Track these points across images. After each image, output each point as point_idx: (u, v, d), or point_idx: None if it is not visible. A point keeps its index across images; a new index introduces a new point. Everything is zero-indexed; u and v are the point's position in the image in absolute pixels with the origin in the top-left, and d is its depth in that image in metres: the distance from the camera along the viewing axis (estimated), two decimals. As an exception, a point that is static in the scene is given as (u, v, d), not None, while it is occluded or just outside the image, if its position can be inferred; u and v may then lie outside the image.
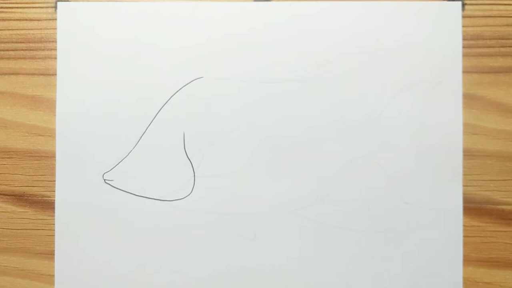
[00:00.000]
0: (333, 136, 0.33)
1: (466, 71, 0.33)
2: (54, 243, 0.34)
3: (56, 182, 0.33)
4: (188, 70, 0.33)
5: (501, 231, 0.33)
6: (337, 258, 0.33)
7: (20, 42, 0.34)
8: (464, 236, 0.33)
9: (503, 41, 0.33)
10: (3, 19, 0.34)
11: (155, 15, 0.33)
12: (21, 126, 0.34)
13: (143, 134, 0.33)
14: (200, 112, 0.33)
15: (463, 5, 0.33)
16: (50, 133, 0.34)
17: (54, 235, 0.34)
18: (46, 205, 0.34)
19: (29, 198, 0.34)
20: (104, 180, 0.33)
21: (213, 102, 0.33)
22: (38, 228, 0.34)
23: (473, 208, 0.33)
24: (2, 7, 0.34)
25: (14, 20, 0.34)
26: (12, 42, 0.34)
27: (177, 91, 0.33)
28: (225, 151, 0.33)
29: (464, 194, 0.33)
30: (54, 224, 0.34)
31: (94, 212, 0.33)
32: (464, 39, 0.33)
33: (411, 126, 0.33)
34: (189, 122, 0.33)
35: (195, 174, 0.33)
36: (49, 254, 0.34)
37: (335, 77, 0.33)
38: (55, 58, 0.34)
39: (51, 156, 0.34)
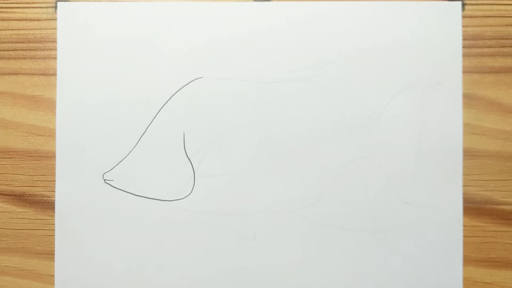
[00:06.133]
0: (333, 136, 0.33)
1: (466, 71, 0.33)
2: (54, 243, 0.34)
3: (56, 182, 0.33)
4: (188, 70, 0.33)
5: (501, 231, 0.33)
6: (337, 258, 0.33)
7: (20, 42, 0.34)
8: (464, 236, 0.33)
9: (503, 41, 0.33)
10: (3, 19, 0.34)
11: (155, 15, 0.33)
12: (21, 126, 0.34)
13: (143, 134, 0.33)
14: (200, 112, 0.33)
15: (463, 5, 0.33)
16: (50, 133, 0.34)
17: (54, 235, 0.34)
18: (46, 205, 0.34)
19: (29, 198, 0.34)
20: (104, 180, 0.33)
21: (213, 102, 0.33)
22: (38, 228, 0.34)
23: (473, 208, 0.33)
24: (2, 7, 0.34)
25: (14, 20, 0.34)
26: (12, 42, 0.34)
27: (177, 91, 0.33)
28: (225, 151, 0.33)
29: (464, 194, 0.33)
30: (54, 224, 0.34)
31: (94, 212, 0.33)
32: (464, 39, 0.33)
33: (411, 126, 0.33)
34: (189, 122, 0.33)
35: (195, 174, 0.33)
36: (49, 254, 0.34)
37: (335, 77, 0.33)
38: (55, 58, 0.34)
39: (51, 156, 0.34)
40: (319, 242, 0.33)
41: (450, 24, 0.33)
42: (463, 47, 0.33)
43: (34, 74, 0.34)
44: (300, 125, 0.33)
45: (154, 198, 0.33)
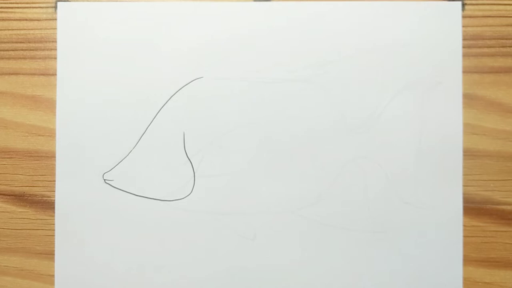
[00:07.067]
0: (333, 136, 0.33)
1: (466, 71, 0.33)
2: (54, 243, 0.34)
3: (56, 182, 0.33)
4: (188, 70, 0.33)
5: (501, 231, 0.33)
6: (337, 258, 0.33)
7: (20, 42, 0.34)
8: (464, 236, 0.33)
9: (503, 41, 0.33)
10: (3, 19, 0.34)
11: (155, 15, 0.33)
12: (21, 126, 0.34)
13: (143, 134, 0.33)
14: (200, 112, 0.33)
15: (463, 5, 0.33)
16: (50, 133, 0.34)
17: (54, 235, 0.34)
18: (46, 205, 0.34)
19: (29, 198, 0.34)
20: (104, 180, 0.33)
21: (213, 102, 0.33)
22: (38, 228, 0.34)
23: (473, 208, 0.33)
24: (2, 7, 0.34)
25: (14, 20, 0.34)
26: (12, 42, 0.34)
27: (177, 91, 0.33)
28: (225, 151, 0.33)
29: (464, 194, 0.33)
30: (54, 224, 0.34)
31: (94, 212, 0.33)
32: (464, 39, 0.33)
33: (411, 126, 0.33)
34: (189, 122, 0.33)
35: (195, 174, 0.33)
36: (49, 254, 0.34)
37: (335, 77, 0.33)
38: (55, 58, 0.34)
39: (51, 156, 0.34)
40: (319, 242, 0.33)
41: (450, 24, 0.33)
42: (463, 47, 0.33)
43: (34, 74, 0.34)
44: (300, 125, 0.33)
45: (154, 198, 0.33)
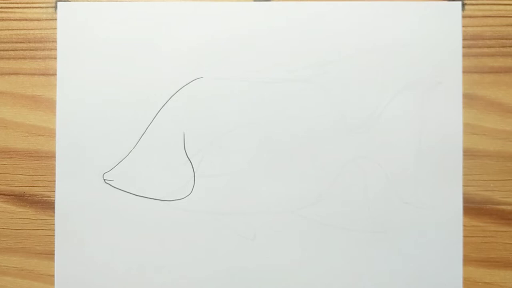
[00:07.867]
0: (333, 136, 0.33)
1: (466, 71, 0.33)
2: (54, 243, 0.34)
3: (56, 182, 0.33)
4: (188, 70, 0.33)
5: (501, 231, 0.33)
6: (337, 258, 0.33)
7: (20, 42, 0.34)
8: (464, 236, 0.33)
9: (503, 41, 0.33)
10: (3, 19, 0.34)
11: (155, 15, 0.33)
12: (21, 126, 0.34)
13: (143, 134, 0.33)
14: (200, 112, 0.33)
15: (463, 5, 0.33)
16: (50, 133, 0.34)
17: (54, 235, 0.34)
18: (46, 205, 0.34)
19: (29, 198, 0.34)
20: (104, 180, 0.33)
21: (213, 102, 0.33)
22: (38, 228, 0.34)
23: (473, 208, 0.33)
24: (2, 7, 0.34)
25: (14, 20, 0.34)
26: (12, 42, 0.34)
27: (177, 91, 0.33)
28: (225, 151, 0.33)
29: (464, 194, 0.33)
30: (54, 224, 0.34)
31: (94, 212, 0.33)
32: (464, 39, 0.33)
33: (411, 126, 0.33)
34: (189, 122, 0.33)
35: (195, 174, 0.33)
36: (49, 254, 0.34)
37: (335, 77, 0.33)
38: (55, 58, 0.34)
39: (51, 156, 0.34)
40: (319, 242, 0.33)
41: (450, 24, 0.33)
42: (463, 47, 0.33)
43: (34, 74, 0.34)
44: (300, 125, 0.33)
45: (154, 198, 0.33)
